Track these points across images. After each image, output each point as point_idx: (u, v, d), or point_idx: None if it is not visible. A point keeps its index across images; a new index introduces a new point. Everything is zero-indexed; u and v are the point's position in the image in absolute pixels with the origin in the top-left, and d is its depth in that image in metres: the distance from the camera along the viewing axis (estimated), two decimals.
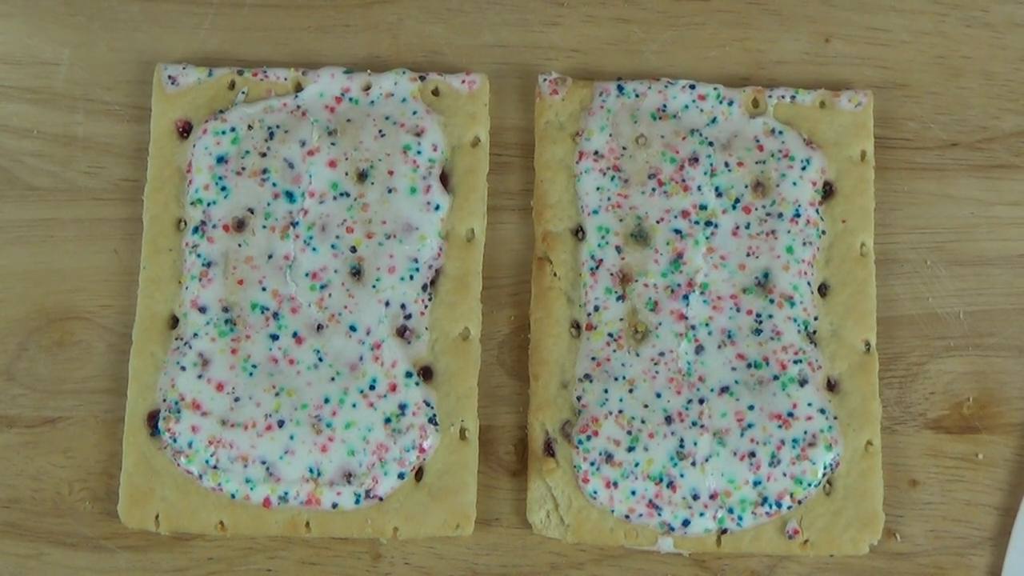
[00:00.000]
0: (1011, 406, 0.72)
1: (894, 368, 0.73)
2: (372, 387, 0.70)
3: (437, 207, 0.73)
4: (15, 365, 0.73)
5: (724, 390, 0.70)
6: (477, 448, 0.71)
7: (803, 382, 0.70)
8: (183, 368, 0.70)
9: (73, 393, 0.73)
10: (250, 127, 0.74)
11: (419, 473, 0.70)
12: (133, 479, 0.70)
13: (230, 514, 0.70)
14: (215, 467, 0.69)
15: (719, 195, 0.72)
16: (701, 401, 0.70)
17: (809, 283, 0.71)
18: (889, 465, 0.71)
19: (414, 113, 0.74)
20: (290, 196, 0.73)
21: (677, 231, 0.72)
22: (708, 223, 0.72)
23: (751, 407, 0.69)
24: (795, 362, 0.70)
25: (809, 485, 0.69)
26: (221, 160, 0.73)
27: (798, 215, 0.72)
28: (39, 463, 0.72)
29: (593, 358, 0.71)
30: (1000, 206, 0.75)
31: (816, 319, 0.71)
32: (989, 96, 0.76)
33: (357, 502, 0.69)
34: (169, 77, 0.74)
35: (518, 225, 0.75)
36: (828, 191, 0.73)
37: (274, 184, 0.73)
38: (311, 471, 0.69)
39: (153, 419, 0.71)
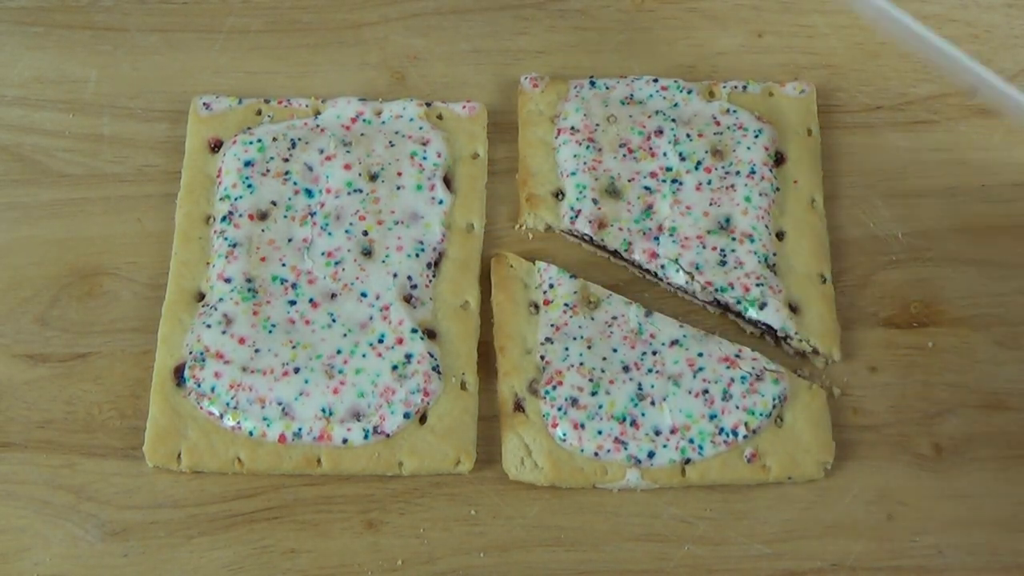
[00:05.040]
0: (953, 304, 0.77)
1: (845, 279, 0.79)
2: (380, 340, 0.76)
3: (441, 201, 0.80)
4: (48, 313, 0.77)
5: (674, 343, 0.76)
6: (477, 399, 0.75)
7: (763, 305, 0.76)
8: (208, 326, 0.76)
9: (102, 333, 0.77)
10: (274, 139, 0.82)
11: (423, 419, 0.75)
12: (159, 422, 0.74)
13: (248, 451, 0.74)
14: (235, 408, 0.74)
15: (682, 159, 0.80)
16: (655, 353, 0.75)
17: (767, 226, 0.79)
18: (848, 356, 0.76)
19: (420, 128, 0.82)
20: (309, 192, 0.80)
21: (647, 188, 0.80)
22: (674, 181, 0.80)
23: (700, 354, 0.75)
24: (757, 285, 0.76)
25: (761, 415, 0.74)
26: (248, 164, 0.81)
27: (753, 172, 0.80)
28: (71, 390, 0.75)
29: (552, 324, 0.77)
30: (924, 151, 0.82)
31: (775, 255, 0.78)
32: (905, 71, 0.85)
33: (366, 437, 0.74)
34: (204, 104, 0.83)
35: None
36: (779, 159, 0.81)
37: (295, 183, 0.80)
38: (323, 411, 0.74)
39: (179, 372, 0.75)
